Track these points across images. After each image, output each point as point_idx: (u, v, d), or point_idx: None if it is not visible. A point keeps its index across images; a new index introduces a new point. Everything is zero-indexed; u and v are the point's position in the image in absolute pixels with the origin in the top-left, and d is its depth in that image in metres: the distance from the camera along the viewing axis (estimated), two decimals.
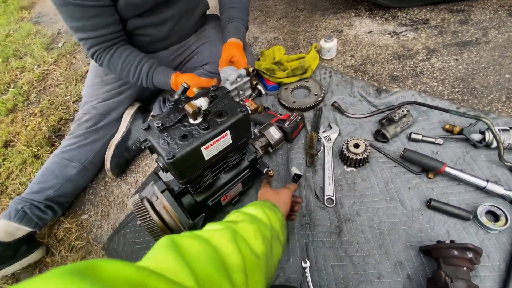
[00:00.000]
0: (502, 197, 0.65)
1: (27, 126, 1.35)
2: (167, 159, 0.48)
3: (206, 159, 0.55)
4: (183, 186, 0.64)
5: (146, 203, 0.61)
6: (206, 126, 0.52)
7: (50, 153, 1.19)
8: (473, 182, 0.67)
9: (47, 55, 1.88)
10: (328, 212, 0.73)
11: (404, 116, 0.81)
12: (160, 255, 0.28)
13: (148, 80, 0.89)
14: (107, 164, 0.96)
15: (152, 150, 0.54)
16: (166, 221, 0.62)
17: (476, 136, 0.73)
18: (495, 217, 0.63)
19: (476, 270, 0.58)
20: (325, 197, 0.75)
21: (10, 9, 2.90)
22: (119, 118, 1.03)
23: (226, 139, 0.56)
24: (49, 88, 1.61)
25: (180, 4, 0.92)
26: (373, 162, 0.79)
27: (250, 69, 0.69)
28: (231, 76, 0.66)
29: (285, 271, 0.65)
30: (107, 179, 1.04)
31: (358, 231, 0.69)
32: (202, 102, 0.53)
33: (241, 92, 0.70)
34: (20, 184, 1.11)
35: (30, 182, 0.93)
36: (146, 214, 0.60)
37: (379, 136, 0.81)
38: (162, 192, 0.61)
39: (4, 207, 1.07)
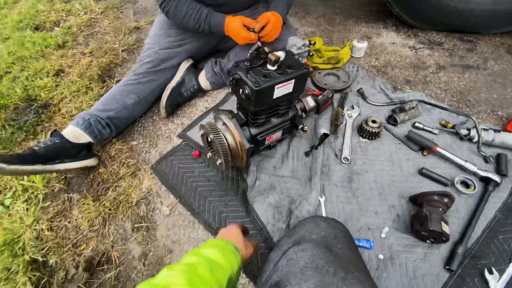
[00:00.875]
0: (474, 174, 0.87)
1: (79, 61, 1.49)
2: (255, 86, 0.67)
3: (273, 98, 0.75)
4: (245, 119, 0.83)
5: (219, 124, 0.80)
6: (281, 72, 0.72)
7: (101, 88, 1.35)
8: (455, 161, 0.89)
9: (95, 5, 2.00)
10: (343, 167, 0.94)
11: (413, 108, 1.03)
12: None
13: (206, 23, 1.06)
14: (163, 102, 1.13)
15: (238, 81, 0.73)
16: (229, 142, 0.81)
17: (464, 131, 0.96)
18: (467, 186, 0.85)
19: (448, 216, 0.80)
20: (342, 156, 0.96)
21: None
22: (175, 66, 1.20)
23: (289, 86, 0.76)
24: (96, 34, 1.75)
25: None
26: (383, 138, 1.00)
27: (312, 41, 0.89)
28: (298, 43, 0.86)
29: (307, 200, 0.85)
30: (155, 117, 1.21)
31: (365, 182, 0.90)
32: (281, 54, 0.73)
33: (300, 58, 0.90)
34: (74, 108, 1.26)
35: (93, 105, 1.09)
36: (219, 135, 0.78)
37: (391, 119, 1.03)
38: (231, 118, 0.80)
39: (58, 124, 1.23)
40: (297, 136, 1.03)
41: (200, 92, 1.24)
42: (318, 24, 1.59)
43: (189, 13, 1.05)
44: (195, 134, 1.11)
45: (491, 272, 0.71)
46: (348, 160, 0.95)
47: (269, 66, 0.74)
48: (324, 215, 0.84)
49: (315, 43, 0.85)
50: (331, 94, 1.07)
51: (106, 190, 1.00)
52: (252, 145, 0.85)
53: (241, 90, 0.72)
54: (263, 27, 1.01)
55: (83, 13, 1.96)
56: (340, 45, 1.41)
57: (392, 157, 0.95)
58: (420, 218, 0.76)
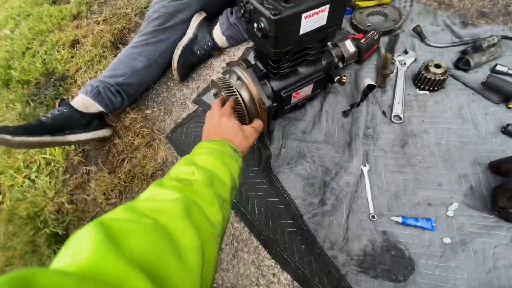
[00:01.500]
0: None
1: (93, 30, 1.41)
2: (274, 14, 0.49)
3: (300, 33, 0.56)
4: (264, 71, 0.66)
5: (233, 79, 0.65)
6: None
7: (114, 56, 1.26)
8: None
9: None
10: (394, 127, 0.74)
11: (493, 45, 0.75)
12: (96, 255, 0.21)
13: None
14: (174, 63, 1.00)
15: (251, 12, 0.55)
16: (245, 100, 0.65)
17: None
18: None
19: None
20: (393, 114, 0.75)
21: None
22: (185, 22, 1.05)
23: (322, 16, 0.56)
24: (110, 1, 1.65)
25: None
26: (449, 88, 0.76)
27: None
28: None
29: (346, 169, 0.68)
30: (169, 83, 1.10)
31: (424, 146, 0.69)
32: None
33: None
34: (88, 78, 1.19)
35: (104, 71, 1.00)
36: (233, 91, 0.63)
37: (461, 63, 0.77)
38: (247, 67, 0.63)
39: (74, 96, 1.18)
40: (332, 92, 0.83)
41: (215, 49, 1.08)
42: None
43: None
44: (212, 99, 0.97)
45: None
46: (400, 118, 0.74)
47: None
48: (368, 187, 0.66)
49: None
50: (377, 36, 0.83)
51: (121, 162, 0.93)
52: (275, 104, 0.69)
53: (255, 26, 0.54)
54: None
55: None
56: None
57: (463, 112, 0.71)
58: (508, 190, 0.55)
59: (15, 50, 1.54)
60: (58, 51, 1.38)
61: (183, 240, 0.28)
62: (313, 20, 0.55)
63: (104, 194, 0.87)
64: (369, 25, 0.92)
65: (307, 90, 0.74)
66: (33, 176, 1.03)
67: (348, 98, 0.82)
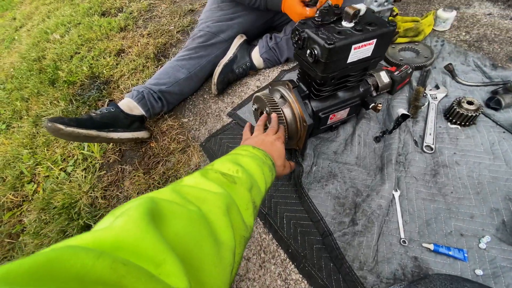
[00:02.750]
0: None
1: (138, 41, 1.53)
2: (329, 44, 0.55)
3: (347, 62, 0.61)
4: (307, 92, 0.72)
5: (276, 96, 0.70)
6: (360, 28, 0.58)
7: (156, 67, 1.36)
8: None
9: None
10: (425, 156, 0.76)
11: None
12: (137, 231, 0.20)
13: None
14: (215, 78, 1.08)
15: (305, 40, 0.61)
16: (286, 117, 0.70)
17: None
18: None
19: None
20: (424, 144, 0.78)
21: None
22: (225, 41, 1.14)
23: (368, 48, 0.61)
24: (155, 18, 1.80)
25: None
26: (480, 125, 0.79)
27: None
28: None
29: (378, 192, 0.71)
30: (205, 96, 1.17)
31: (455, 177, 0.71)
32: (361, 7, 0.59)
33: (385, 14, 0.75)
34: (131, 84, 1.29)
35: (149, 79, 1.09)
36: (278, 108, 0.68)
37: (493, 102, 0.81)
38: (293, 87, 0.69)
39: (116, 100, 1.27)
40: (365, 117, 0.87)
41: (252, 69, 1.16)
42: None
43: None
44: (245, 114, 1.03)
45: None
46: (432, 149, 0.77)
47: (344, 23, 0.61)
48: (399, 212, 0.68)
49: None
50: (410, 70, 0.88)
51: (156, 164, 0.98)
52: (313, 123, 0.73)
53: (308, 52, 0.60)
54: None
55: None
56: (426, 12, 1.19)
57: (494, 148, 0.74)
58: None
59: (63, 53, 1.68)
60: (104, 58, 1.50)
61: (222, 236, 0.28)
62: (360, 51, 0.61)
63: (138, 193, 0.92)
64: (401, 60, 0.98)
65: (343, 114, 0.78)
66: (69, 169, 1.09)
67: (380, 124, 0.86)
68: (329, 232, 0.69)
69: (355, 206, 0.71)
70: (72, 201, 0.94)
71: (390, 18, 0.92)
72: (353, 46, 0.59)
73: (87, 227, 0.88)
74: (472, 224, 0.64)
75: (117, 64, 1.45)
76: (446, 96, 0.87)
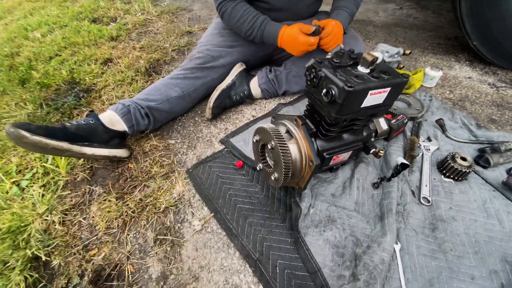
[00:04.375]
0: None
1: (129, 53, 1.46)
2: (348, 86, 0.54)
3: (361, 106, 0.60)
4: (314, 130, 0.69)
5: (282, 130, 0.66)
6: (377, 76, 0.58)
7: (146, 81, 1.28)
8: None
9: (152, 8, 2.06)
10: (423, 208, 0.75)
11: (510, 150, 0.84)
12: None
13: (260, 30, 0.98)
14: (211, 102, 1.02)
15: (322, 79, 0.60)
16: (292, 154, 0.66)
17: None
18: None
19: None
20: (421, 196, 0.77)
21: None
22: (223, 66, 1.11)
23: (382, 96, 0.61)
24: (149, 33, 1.75)
25: None
26: (471, 181, 0.81)
27: (408, 52, 0.76)
28: (391, 50, 0.73)
29: (380, 244, 0.66)
30: (197, 118, 1.11)
31: (453, 233, 0.70)
32: (379, 55, 0.59)
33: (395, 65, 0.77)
34: (115, 96, 1.19)
35: (139, 93, 1.01)
36: (285, 144, 0.64)
37: (482, 160, 0.84)
38: (302, 124, 0.65)
39: (96, 110, 1.15)
40: (363, 161, 0.86)
41: (249, 98, 1.13)
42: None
43: (245, 17, 0.98)
44: (240, 142, 0.98)
45: None
46: (429, 201, 0.76)
47: (361, 68, 0.61)
48: (401, 268, 0.64)
49: (410, 52, 0.72)
50: (406, 120, 0.91)
51: (133, 189, 0.86)
52: (319, 163, 0.70)
53: (324, 91, 0.58)
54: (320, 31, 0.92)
55: (140, 13, 2.01)
56: (412, 69, 1.28)
57: (487, 206, 0.75)
58: None
59: (42, 53, 1.54)
60: (89, 64, 1.39)
61: None
62: (374, 98, 0.60)
63: (106, 221, 0.78)
64: (394, 109, 1.02)
65: (345, 156, 0.76)
66: (23, 183, 0.92)
67: (378, 170, 0.85)
68: (326, 286, 0.62)
69: (356, 258, 0.66)
70: (22, 224, 0.78)
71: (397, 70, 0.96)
72: (370, 92, 0.58)
73: (35, 259, 0.72)
74: (473, 286, 0.61)
75: (102, 73, 1.35)
76: (438, 149, 0.90)
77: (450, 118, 1.02)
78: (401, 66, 0.77)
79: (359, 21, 1.79)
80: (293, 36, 0.93)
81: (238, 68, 1.13)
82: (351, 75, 0.58)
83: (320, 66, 0.60)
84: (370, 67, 0.60)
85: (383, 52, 0.74)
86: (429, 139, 0.93)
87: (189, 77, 1.06)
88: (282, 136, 0.65)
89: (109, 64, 1.42)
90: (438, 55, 1.42)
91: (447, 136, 0.94)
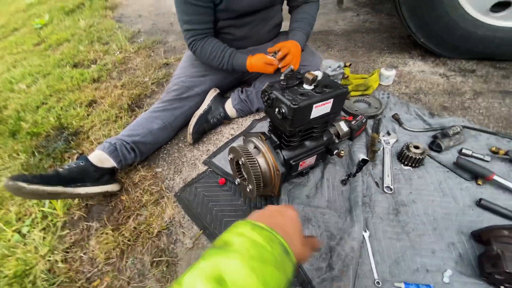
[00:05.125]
0: None
1: (111, 92, 1.56)
2: (294, 104, 0.64)
3: (310, 117, 0.70)
4: (278, 142, 0.78)
5: (250, 147, 0.75)
6: (320, 91, 0.68)
7: (130, 117, 1.37)
8: None
9: (129, 46, 2.18)
10: (387, 196, 0.84)
11: (457, 133, 0.94)
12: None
13: (229, 62, 1.11)
14: (190, 128, 1.12)
15: (274, 100, 0.70)
16: (261, 166, 0.75)
17: None
18: None
19: None
20: (384, 185, 0.86)
21: (95, 7, 3.38)
22: (199, 94, 1.21)
23: (327, 106, 0.71)
24: (129, 70, 1.86)
25: (259, 13, 1.14)
26: (428, 166, 0.91)
27: (348, 64, 0.87)
28: (333, 65, 0.84)
29: (349, 235, 0.75)
30: (180, 144, 1.19)
31: (414, 215, 0.79)
32: (319, 74, 0.70)
33: (339, 78, 0.88)
34: (102, 135, 1.27)
35: (123, 130, 1.09)
36: (253, 158, 0.73)
37: (434, 145, 0.94)
38: (266, 139, 0.75)
39: (85, 151, 1.23)
40: (331, 162, 0.95)
41: (226, 119, 1.23)
42: (341, 56, 1.61)
43: (214, 53, 1.11)
44: (221, 161, 1.06)
45: None
46: (391, 189, 0.85)
47: (305, 86, 0.71)
48: (370, 253, 0.72)
49: (350, 64, 0.84)
50: (364, 120, 1.01)
51: (127, 219, 0.94)
52: (285, 170, 0.79)
53: (277, 110, 0.68)
54: (283, 57, 1.06)
55: (118, 52, 2.12)
56: (370, 71, 1.40)
57: (442, 186, 0.84)
58: (491, 258, 0.63)
59: (29, 104, 1.62)
60: (74, 108, 1.48)
61: None
62: (321, 109, 0.70)
63: (105, 253, 0.85)
64: (356, 110, 1.13)
65: (311, 160, 0.85)
66: (24, 230, 0.98)
67: (345, 168, 0.95)
68: (308, 280, 0.69)
69: (330, 250, 0.74)
70: (27, 267, 0.84)
71: (343, 80, 1.08)
72: (314, 105, 0.68)
73: None
74: (434, 259, 0.69)
75: (88, 115, 1.44)
76: (397, 141, 1.00)
77: (406, 111, 1.13)
78: (346, 75, 0.88)
79: (322, 32, 1.93)
80: (259, 66, 1.09)
81: (212, 94, 1.24)
82: (297, 93, 0.68)
83: (271, 89, 0.71)
84: (313, 84, 0.70)
85: (327, 67, 0.85)
86: (388, 133, 1.03)
87: (168, 109, 1.15)
88: (249, 152, 0.74)
89: (94, 105, 1.51)
90: (394, 54, 1.55)
91: (404, 128, 1.04)
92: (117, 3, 3.43)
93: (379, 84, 1.31)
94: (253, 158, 0.73)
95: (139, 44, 2.21)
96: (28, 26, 3.28)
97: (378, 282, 0.67)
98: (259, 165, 0.74)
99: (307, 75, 0.69)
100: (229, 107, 1.22)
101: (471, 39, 1.30)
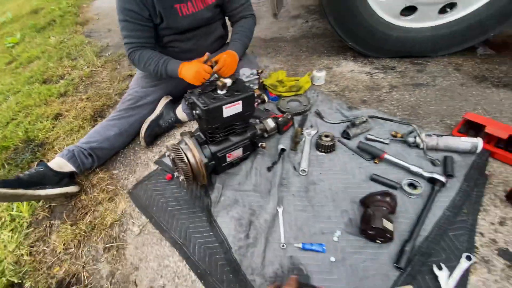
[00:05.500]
0: (421, 176, 0.93)
1: (77, 105, 1.68)
2: (204, 107, 0.80)
3: (224, 116, 0.86)
4: (204, 139, 0.94)
5: (182, 144, 0.91)
6: (228, 95, 0.85)
7: (92, 126, 1.50)
8: (402, 165, 0.96)
9: (96, 60, 2.30)
10: (301, 178, 1.01)
11: (364, 122, 1.13)
12: None
13: (163, 68, 1.20)
14: (142, 133, 1.26)
15: (192, 104, 0.85)
16: (189, 159, 0.90)
17: (411, 139, 1.04)
18: (414, 187, 0.90)
19: (396, 216, 0.84)
20: (300, 168, 1.03)
21: (66, 23, 3.48)
22: (152, 103, 1.36)
23: (238, 107, 0.88)
24: (95, 83, 1.99)
25: (200, 29, 1.30)
26: (338, 151, 1.09)
27: (260, 71, 1.04)
28: (247, 72, 1.01)
29: (265, 210, 0.91)
30: (136, 148, 1.34)
31: (320, 191, 0.96)
32: (228, 81, 0.86)
33: (251, 85, 1.04)
34: (66, 144, 1.40)
35: (82, 138, 1.23)
36: (180, 153, 0.88)
37: (344, 134, 1.13)
38: (191, 137, 0.91)
39: (50, 159, 1.35)
40: (260, 153, 1.12)
41: (177, 123, 1.38)
42: (286, 61, 1.80)
43: (149, 61, 1.20)
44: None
45: (440, 268, 0.73)
46: (305, 171, 1.02)
47: (218, 91, 0.87)
48: (281, 223, 0.88)
49: (261, 71, 1.00)
50: (290, 116, 1.18)
51: (84, 215, 1.07)
52: (213, 162, 0.95)
53: (194, 112, 0.84)
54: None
55: (86, 67, 2.24)
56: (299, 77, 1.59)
57: (346, 166, 1.02)
58: (366, 217, 0.80)
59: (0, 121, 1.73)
60: (41, 122, 1.60)
61: None
62: (232, 109, 0.87)
63: (64, 244, 0.98)
64: (288, 108, 1.30)
65: (238, 152, 1.02)
66: None
67: (272, 157, 1.11)
68: (230, 249, 0.85)
69: (250, 223, 0.90)
70: None
71: (279, 84, 1.25)
72: (224, 107, 0.84)
73: (11, 286, 0.91)
74: (329, 224, 0.86)
75: (53, 127, 1.56)
76: (317, 132, 1.18)
77: (329, 107, 1.31)
78: (262, 80, 1.04)
79: (273, 39, 2.11)
80: (190, 73, 1.11)
81: (164, 101, 1.39)
82: (211, 97, 0.85)
83: (190, 95, 0.87)
84: (224, 90, 0.87)
85: (243, 75, 1.02)
86: (311, 126, 1.20)
87: (124, 117, 1.29)
88: (177, 148, 0.90)
89: (59, 118, 1.64)
90: (331, 56, 1.74)
91: (325, 121, 1.22)
92: (88, 18, 3.54)
93: (313, 84, 1.49)
94: (180, 153, 0.88)
95: (106, 58, 2.34)
96: (0, 45, 3.35)
97: (283, 245, 0.83)
98: (187, 159, 0.90)
99: (218, 82, 0.86)
100: (180, 112, 1.37)
101: (389, 40, 1.50)
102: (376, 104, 1.31)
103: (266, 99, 1.36)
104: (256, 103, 1.24)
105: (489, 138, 0.99)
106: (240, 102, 0.87)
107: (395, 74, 1.49)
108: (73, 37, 2.98)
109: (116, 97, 1.75)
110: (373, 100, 1.34)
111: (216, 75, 0.97)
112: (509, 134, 0.92)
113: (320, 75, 1.45)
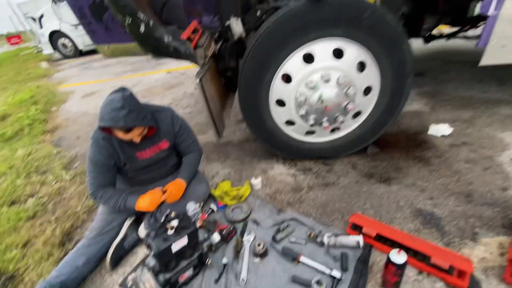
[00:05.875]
0: (324, 273, 1.27)
1: (45, 230, 1.85)
2: (157, 249, 1.10)
3: (173, 252, 1.17)
4: (159, 269, 1.21)
5: (137, 280, 1.17)
6: (176, 235, 1.17)
7: (61, 252, 1.68)
8: (312, 265, 1.30)
9: (65, 174, 2.54)
10: (241, 286, 1.29)
11: (286, 227, 1.50)
12: None
13: (122, 203, 1.51)
14: (108, 259, 1.48)
15: (149, 246, 1.15)
16: None
17: (319, 239, 1.42)
18: (320, 284, 1.23)
19: None
20: (241, 278, 1.32)
21: (35, 132, 3.73)
22: (118, 225, 1.62)
23: (184, 241, 1.20)
24: (64, 201, 2.20)
25: (157, 163, 1.70)
26: (271, 255, 1.41)
27: (199, 206, 1.40)
28: (191, 208, 1.36)
29: None
30: (102, 271, 1.53)
31: None
32: (174, 223, 1.20)
33: (197, 217, 1.39)
34: (36, 275, 1.54)
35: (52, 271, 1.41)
36: (138, 285, 1.14)
37: (273, 239, 1.47)
38: (148, 270, 1.17)
39: None
40: (208, 269, 1.39)
41: (140, 241, 1.63)
42: (233, 165, 2.23)
43: (109, 200, 1.52)
44: (133, 278, 1.42)
45: None
46: (244, 281, 1.31)
47: (169, 232, 1.19)
48: None
49: (204, 203, 1.37)
50: (232, 228, 1.52)
51: None
52: (168, 286, 1.20)
53: (150, 251, 1.13)
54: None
55: (54, 182, 2.46)
56: (249, 179, 2.00)
57: (275, 270, 1.34)
58: None
59: None
60: (10, 252, 1.73)
61: None
62: (179, 244, 1.18)
63: None
64: (232, 217, 1.65)
65: (189, 272, 1.29)
66: None
67: (219, 268, 1.39)
68: None
69: None
70: None
71: (226, 196, 1.61)
72: (173, 244, 1.15)
73: None
74: None
75: (23, 256, 1.69)
76: (254, 238, 1.51)
77: (264, 212, 1.69)
78: (203, 211, 1.41)
79: (223, 144, 2.59)
80: (145, 206, 1.50)
81: (128, 221, 1.65)
82: (162, 239, 1.16)
83: (147, 239, 1.17)
84: (173, 229, 1.19)
85: (188, 210, 1.38)
86: (250, 233, 1.54)
87: (92, 244, 1.52)
88: (136, 281, 1.15)
89: (28, 244, 1.78)
90: (267, 160, 2.22)
91: (261, 228, 1.58)
92: (57, 125, 3.85)
93: (253, 189, 1.89)
94: (139, 285, 1.13)
95: (74, 171, 2.59)
96: None
97: None
98: None
99: (167, 225, 1.18)
100: (142, 230, 1.64)
101: (303, 149, 2.02)
102: (298, 205, 1.72)
103: (215, 209, 1.71)
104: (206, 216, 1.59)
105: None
106: (186, 236, 1.19)
107: (312, 175, 1.96)
108: (41, 147, 3.22)
109: (84, 215, 1.96)
110: (296, 201, 1.75)
111: (168, 211, 1.30)
112: (376, 232, 1.34)
113: (256, 182, 1.87)
